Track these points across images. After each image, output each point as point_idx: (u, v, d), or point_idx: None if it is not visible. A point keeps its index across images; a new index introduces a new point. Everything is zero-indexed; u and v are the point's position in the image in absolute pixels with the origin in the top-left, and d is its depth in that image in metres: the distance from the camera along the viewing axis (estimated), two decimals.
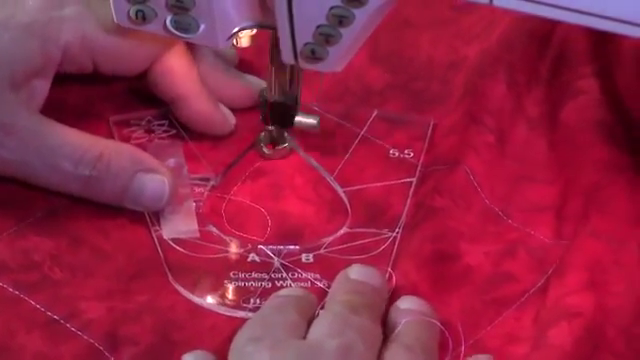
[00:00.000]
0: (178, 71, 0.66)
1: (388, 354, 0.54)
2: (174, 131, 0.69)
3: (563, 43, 0.73)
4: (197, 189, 0.65)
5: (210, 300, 0.60)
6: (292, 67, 0.63)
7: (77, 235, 0.62)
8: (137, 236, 0.63)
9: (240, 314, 0.59)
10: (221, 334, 0.58)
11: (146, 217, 0.63)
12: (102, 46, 0.65)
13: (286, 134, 0.67)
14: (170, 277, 0.61)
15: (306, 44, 0.60)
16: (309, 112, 0.66)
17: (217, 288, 0.60)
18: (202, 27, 0.61)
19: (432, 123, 0.70)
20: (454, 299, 0.60)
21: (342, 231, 0.64)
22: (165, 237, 0.62)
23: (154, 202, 0.63)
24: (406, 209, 0.65)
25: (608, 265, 0.60)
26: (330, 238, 0.63)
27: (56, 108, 0.66)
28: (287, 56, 0.61)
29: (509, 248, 0.63)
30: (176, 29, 0.61)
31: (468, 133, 0.69)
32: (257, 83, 0.70)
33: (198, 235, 0.63)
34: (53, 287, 0.59)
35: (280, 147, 0.67)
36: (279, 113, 0.66)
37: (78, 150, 0.62)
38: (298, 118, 0.65)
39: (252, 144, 0.68)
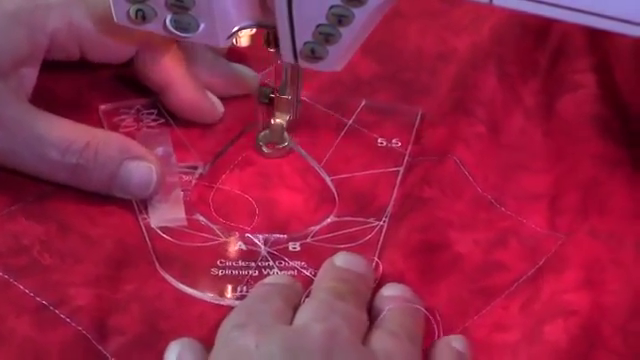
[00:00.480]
0: (165, 58, 0.66)
1: (373, 339, 0.54)
2: (163, 120, 0.69)
3: (562, 35, 0.73)
4: (185, 177, 0.65)
5: (197, 288, 0.60)
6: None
7: (66, 222, 0.62)
8: (125, 224, 0.63)
9: (227, 302, 0.59)
10: (208, 322, 0.58)
11: (134, 205, 0.63)
12: (89, 33, 0.65)
13: (286, 134, 0.67)
14: (157, 265, 0.61)
15: (306, 43, 0.59)
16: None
17: (204, 276, 0.60)
18: (202, 26, 0.60)
19: (420, 113, 0.70)
20: (442, 288, 0.60)
21: (329, 220, 0.64)
22: (153, 225, 0.63)
23: (141, 190, 0.63)
24: (393, 198, 0.65)
25: (606, 264, 0.60)
26: (317, 227, 0.63)
27: (46, 98, 0.66)
28: (287, 55, 0.61)
29: (501, 236, 0.63)
30: (176, 28, 0.61)
31: (458, 125, 0.69)
32: (245, 72, 0.70)
33: (186, 224, 0.63)
34: (42, 273, 0.59)
35: (280, 146, 0.67)
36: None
37: (65, 139, 0.62)
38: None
39: (240, 133, 0.68)
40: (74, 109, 0.67)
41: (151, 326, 0.58)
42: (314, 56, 0.60)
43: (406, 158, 0.67)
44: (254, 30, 0.63)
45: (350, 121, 0.69)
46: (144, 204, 0.64)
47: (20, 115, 0.62)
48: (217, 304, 0.59)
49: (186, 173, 0.66)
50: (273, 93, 0.66)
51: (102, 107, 0.69)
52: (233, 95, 0.70)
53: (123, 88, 0.70)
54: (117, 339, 0.57)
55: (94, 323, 0.57)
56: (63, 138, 0.62)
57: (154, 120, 0.69)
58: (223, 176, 0.66)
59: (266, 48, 0.63)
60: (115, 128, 0.68)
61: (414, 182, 0.66)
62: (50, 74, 0.67)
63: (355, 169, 0.67)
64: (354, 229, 0.63)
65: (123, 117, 0.69)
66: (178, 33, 0.61)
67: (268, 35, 0.62)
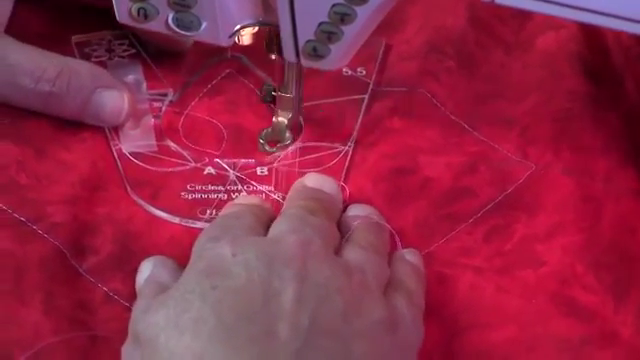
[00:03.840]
0: None
1: (345, 251, 0.55)
2: (134, 50, 0.70)
3: None
4: (155, 104, 0.67)
5: (167, 212, 0.61)
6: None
7: (40, 147, 0.62)
8: (97, 150, 0.64)
9: (197, 225, 0.60)
10: (179, 244, 0.59)
11: (106, 132, 0.65)
12: None
13: (287, 132, 0.66)
14: (129, 189, 0.62)
15: (308, 41, 0.59)
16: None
17: (174, 200, 0.62)
18: (204, 25, 0.60)
19: (384, 42, 0.71)
20: (408, 212, 0.61)
21: (296, 145, 0.65)
22: (124, 151, 0.64)
23: (113, 118, 0.64)
24: (358, 124, 0.66)
25: (577, 202, 0.62)
26: (284, 152, 0.65)
27: (20, 29, 0.66)
28: (289, 54, 0.61)
29: (471, 161, 0.64)
30: (178, 27, 0.60)
31: (427, 60, 0.70)
32: None
33: (156, 149, 0.64)
34: (19, 191, 0.60)
35: (282, 144, 0.66)
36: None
37: (38, 67, 0.62)
38: None
39: (210, 61, 0.69)
40: (47, 40, 0.67)
41: (123, 247, 0.59)
42: (316, 54, 0.60)
43: (370, 86, 0.69)
44: (256, 28, 0.62)
45: None
46: (116, 131, 0.65)
47: None
48: (186, 227, 0.60)
49: (156, 100, 0.67)
50: (275, 91, 0.65)
51: (75, 38, 0.70)
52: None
53: (96, 19, 0.70)
54: (91, 258, 0.58)
55: (70, 240, 0.58)
56: (36, 67, 0.62)
57: (125, 51, 0.70)
58: (192, 103, 0.67)
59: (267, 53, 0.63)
60: (87, 58, 0.69)
61: (382, 112, 0.67)
62: (25, 5, 0.67)
63: (321, 97, 0.68)
64: (320, 154, 0.65)
65: (95, 47, 0.70)
66: (180, 31, 0.61)
67: (270, 38, 0.62)
